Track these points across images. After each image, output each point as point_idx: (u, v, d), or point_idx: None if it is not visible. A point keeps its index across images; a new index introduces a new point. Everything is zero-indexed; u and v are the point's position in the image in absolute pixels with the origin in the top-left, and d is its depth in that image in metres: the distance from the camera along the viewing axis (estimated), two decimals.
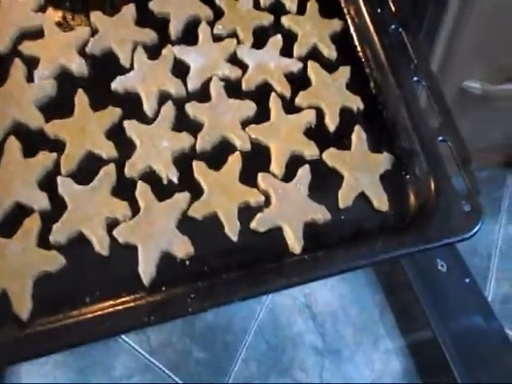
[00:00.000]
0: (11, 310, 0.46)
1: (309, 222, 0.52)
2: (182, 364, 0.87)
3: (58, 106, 0.57)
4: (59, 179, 0.52)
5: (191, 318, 0.86)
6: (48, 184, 0.52)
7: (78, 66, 0.59)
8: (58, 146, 0.54)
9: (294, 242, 0.51)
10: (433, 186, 0.54)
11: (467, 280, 0.83)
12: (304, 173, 0.55)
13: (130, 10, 0.64)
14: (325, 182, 0.55)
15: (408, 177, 0.57)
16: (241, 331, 0.90)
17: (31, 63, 0.59)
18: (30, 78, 0.58)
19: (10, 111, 0.55)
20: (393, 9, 0.64)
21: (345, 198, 0.54)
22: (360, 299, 0.94)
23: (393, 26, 0.62)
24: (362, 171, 0.55)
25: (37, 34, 0.61)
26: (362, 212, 0.54)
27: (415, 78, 0.59)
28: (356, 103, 0.60)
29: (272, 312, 0.91)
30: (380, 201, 0.55)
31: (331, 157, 0.56)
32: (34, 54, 0.59)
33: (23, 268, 0.47)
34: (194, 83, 0.60)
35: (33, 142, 0.54)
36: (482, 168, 1.02)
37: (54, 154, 0.54)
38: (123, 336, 0.86)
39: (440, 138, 0.56)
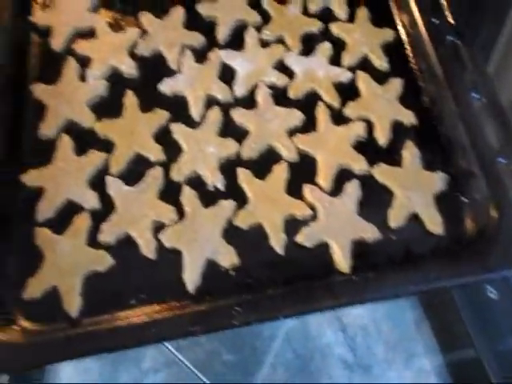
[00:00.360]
0: (61, 307, 0.47)
1: (357, 239, 0.51)
2: (210, 364, 0.86)
3: (108, 106, 0.58)
4: (109, 179, 0.53)
5: None
6: (97, 183, 0.53)
7: (128, 67, 0.60)
8: (107, 146, 0.55)
9: (342, 260, 0.50)
10: (493, 210, 0.51)
11: None
12: (353, 188, 0.53)
13: (178, 13, 0.64)
14: (374, 199, 0.53)
15: (465, 199, 0.54)
16: (269, 337, 0.88)
17: (83, 63, 0.60)
18: (82, 77, 0.59)
19: (62, 109, 0.56)
20: (449, 19, 0.61)
21: (396, 217, 0.52)
22: (394, 314, 0.89)
23: (449, 38, 0.60)
24: (414, 190, 0.53)
25: (89, 33, 0.62)
26: (413, 233, 0.52)
27: (473, 93, 0.56)
28: (408, 117, 0.58)
29: (301, 321, 0.89)
30: (433, 223, 0.52)
31: (382, 173, 0.54)
32: (86, 53, 0.60)
33: (73, 266, 0.48)
34: (240, 89, 0.60)
35: (83, 140, 0.55)
36: None
37: (104, 154, 0.54)
38: None
39: (501, 159, 0.52)
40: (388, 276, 0.49)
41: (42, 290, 0.47)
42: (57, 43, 0.60)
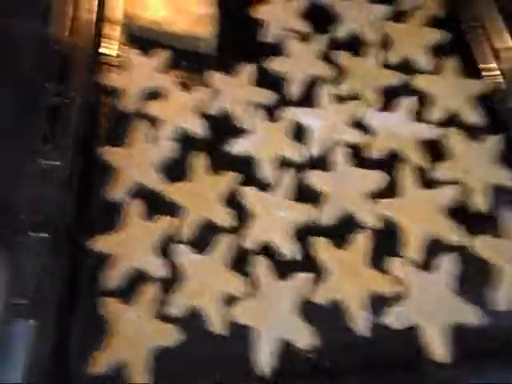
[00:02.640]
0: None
1: (456, 324, 0.44)
2: None
3: (176, 168, 0.55)
4: (177, 247, 0.50)
5: None
6: (165, 250, 0.50)
7: (197, 128, 0.58)
8: (175, 210, 0.52)
9: (438, 348, 0.43)
10: None
11: None
12: (449, 262, 0.47)
13: (247, 70, 0.62)
14: (476, 276, 0.47)
15: None
16: None
17: (153, 123, 0.58)
18: (151, 139, 0.57)
19: (131, 172, 0.54)
20: None
21: (505, 298, 0.45)
22: None
23: None
24: None
25: (158, 93, 0.60)
26: None
27: None
28: (511, 180, 0.52)
29: None
30: None
31: (485, 245, 0.48)
32: (155, 114, 0.59)
33: (140, 338, 0.45)
34: (315, 149, 0.56)
35: (151, 204, 0.53)
36: None
37: (173, 219, 0.51)
38: None
39: None
40: (491, 371, 0.42)
41: (108, 364, 0.44)
42: (126, 104, 0.60)
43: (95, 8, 0.65)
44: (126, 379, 0.44)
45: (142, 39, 0.64)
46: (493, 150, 0.53)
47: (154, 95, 0.60)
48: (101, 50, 0.63)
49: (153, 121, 0.58)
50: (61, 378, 0.44)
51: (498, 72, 0.59)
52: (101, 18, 0.66)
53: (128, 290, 0.48)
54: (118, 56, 0.63)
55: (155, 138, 0.57)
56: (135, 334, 0.45)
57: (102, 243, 0.50)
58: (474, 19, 0.63)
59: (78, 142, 0.55)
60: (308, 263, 0.48)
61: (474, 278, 0.47)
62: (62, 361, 0.45)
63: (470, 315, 0.44)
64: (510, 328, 0.45)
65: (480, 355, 0.43)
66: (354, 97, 0.59)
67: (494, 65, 0.59)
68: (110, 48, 0.64)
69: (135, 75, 0.61)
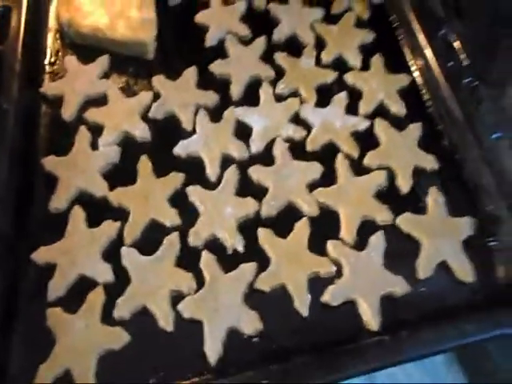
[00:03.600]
0: None
1: (386, 295, 0.48)
2: None
3: (121, 173, 0.57)
4: (123, 250, 0.51)
5: None
6: (112, 254, 0.51)
7: (141, 132, 0.59)
8: (121, 214, 0.53)
9: (371, 318, 0.47)
10: None
11: None
12: (378, 240, 0.51)
13: (191, 74, 0.64)
14: (400, 250, 0.51)
15: (494, 244, 0.52)
16: None
17: (96, 130, 0.59)
18: (94, 146, 0.58)
19: (74, 180, 0.55)
20: (464, 61, 0.60)
21: (424, 267, 0.49)
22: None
23: (466, 79, 0.59)
24: (441, 238, 0.51)
25: (101, 100, 0.61)
26: (444, 283, 0.50)
27: (496, 134, 0.54)
28: (430, 162, 0.56)
29: None
30: (463, 271, 0.50)
31: (407, 222, 0.52)
32: (98, 121, 0.60)
33: (87, 346, 0.46)
34: (257, 145, 0.59)
35: (97, 210, 0.54)
36: None
37: (118, 224, 0.52)
38: None
39: None
40: (422, 333, 0.46)
41: (53, 375, 0.45)
42: (68, 113, 0.60)
43: (29, 16, 0.65)
44: None
45: (83, 46, 0.65)
46: (413, 138, 0.58)
47: (96, 102, 0.61)
48: (41, 59, 0.64)
49: (96, 127, 0.59)
50: None
51: (416, 67, 0.64)
52: (39, 26, 0.66)
53: (74, 299, 0.48)
54: (57, 64, 0.63)
55: (100, 145, 0.58)
56: (82, 341, 0.46)
57: (46, 254, 0.50)
58: (397, 20, 0.68)
59: (16, 155, 0.55)
60: (252, 254, 0.51)
61: (400, 252, 0.51)
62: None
63: (397, 285, 0.48)
64: (430, 293, 0.49)
65: (408, 321, 0.47)
66: (292, 95, 0.62)
67: (413, 61, 0.65)
68: (50, 56, 0.64)
69: (76, 83, 0.61)
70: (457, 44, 0.61)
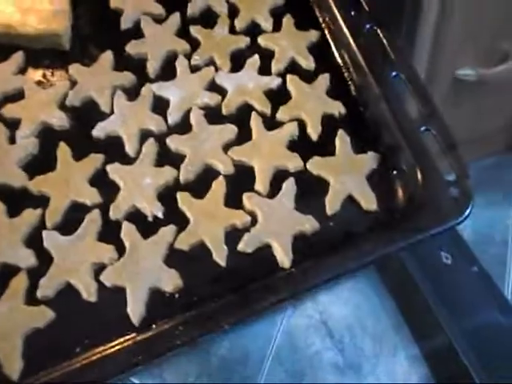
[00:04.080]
0: (1, 372, 0.44)
1: (297, 234, 0.50)
2: None
3: (41, 163, 0.56)
4: (44, 233, 0.51)
5: (207, 355, 0.83)
6: (34, 240, 0.51)
7: (59, 120, 0.59)
8: (42, 202, 0.53)
9: (283, 257, 0.49)
10: (420, 176, 0.52)
11: (475, 268, 0.76)
12: (288, 186, 0.53)
13: (106, 57, 0.64)
14: (311, 192, 0.53)
15: (395, 172, 0.55)
16: (259, 360, 0.85)
17: (13, 125, 0.59)
18: (12, 140, 0.58)
19: None
20: (366, 9, 0.62)
21: (332, 203, 0.52)
22: (375, 309, 0.88)
23: (367, 26, 0.61)
24: (347, 174, 0.53)
25: (18, 96, 0.61)
26: (351, 215, 0.52)
27: (393, 73, 0.57)
28: (337, 108, 0.58)
29: (288, 334, 0.86)
30: (368, 201, 0.52)
31: (315, 165, 0.54)
32: (15, 115, 0.59)
33: (12, 328, 0.46)
34: (173, 117, 0.59)
35: (17, 201, 0.54)
36: (489, 154, 0.95)
37: (39, 210, 0.52)
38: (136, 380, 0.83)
39: (423, 128, 0.54)
40: (325, 260, 0.49)
41: None
42: None
43: None
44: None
45: None
46: (322, 88, 0.60)
47: (13, 98, 0.61)
48: None
49: (14, 122, 0.59)
50: None
51: (323, 22, 0.66)
52: None
53: None
54: None
55: (17, 138, 0.57)
56: (6, 324, 0.46)
57: None
58: None
59: None
60: (171, 219, 0.52)
61: (310, 194, 0.53)
62: None
63: (307, 223, 0.50)
64: (339, 226, 0.52)
65: (318, 254, 0.50)
66: (208, 65, 0.63)
67: (321, 18, 0.66)
68: None
69: None
70: None
